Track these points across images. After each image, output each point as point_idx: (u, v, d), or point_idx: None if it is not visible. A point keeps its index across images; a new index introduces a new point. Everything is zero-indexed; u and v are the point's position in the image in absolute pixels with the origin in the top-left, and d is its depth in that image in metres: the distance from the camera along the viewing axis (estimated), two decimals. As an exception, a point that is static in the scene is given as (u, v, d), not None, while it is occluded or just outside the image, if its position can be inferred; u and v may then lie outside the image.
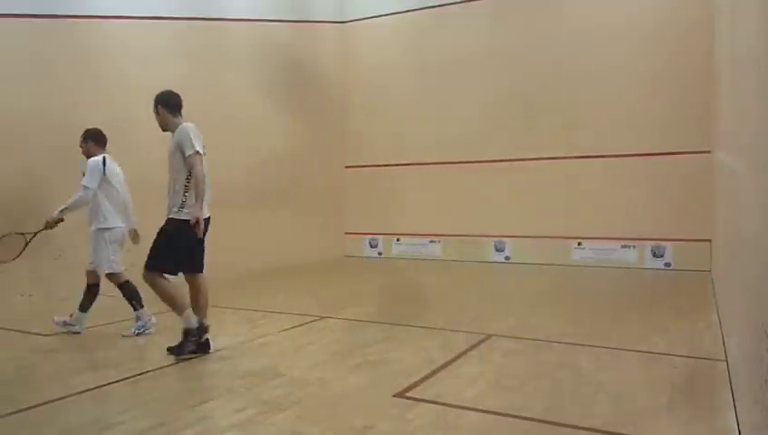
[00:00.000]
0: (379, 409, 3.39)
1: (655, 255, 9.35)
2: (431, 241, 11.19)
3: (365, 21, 11.86)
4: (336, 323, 5.77)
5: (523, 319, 5.82)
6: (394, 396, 3.58)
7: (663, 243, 9.29)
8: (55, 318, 5.50)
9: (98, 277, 5.51)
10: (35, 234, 5.29)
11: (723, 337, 4.67)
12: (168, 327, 5.71)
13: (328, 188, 11.69)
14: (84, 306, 5.44)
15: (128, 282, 5.59)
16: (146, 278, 4.53)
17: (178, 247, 4.53)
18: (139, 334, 5.39)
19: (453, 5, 10.97)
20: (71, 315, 5.50)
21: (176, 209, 4.50)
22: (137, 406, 3.51)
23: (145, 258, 4.59)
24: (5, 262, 5.13)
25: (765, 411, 1.96)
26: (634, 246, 9.48)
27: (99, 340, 5.24)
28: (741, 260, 3.11)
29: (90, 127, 5.79)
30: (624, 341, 4.83)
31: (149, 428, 3.12)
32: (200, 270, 4.88)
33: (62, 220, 5.32)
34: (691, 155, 9.00)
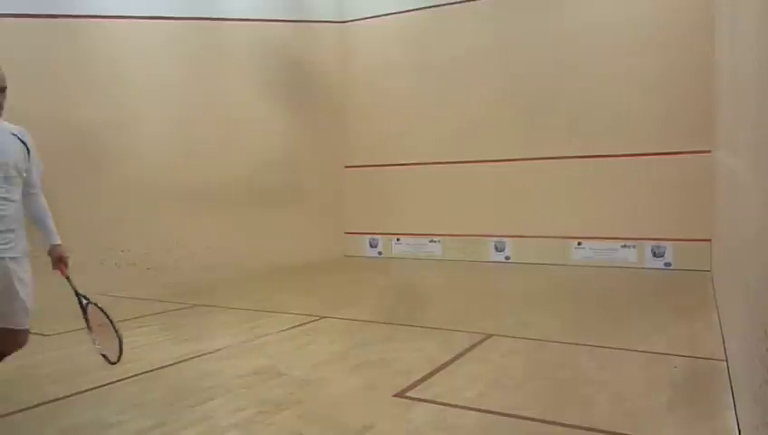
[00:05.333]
0: (379, 409, 3.39)
1: (655, 255, 9.35)
2: (431, 241, 11.19)
3: (365, 21, 11.86)
4: (336, 323, 5.77)
5: (523, 319, 5.82)
6: (394, 396, 3.58)
7: (663, 243, 9.29)
8: None
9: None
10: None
11: (723, 337, 4.67)
12: (169, 327, 5.72)
13: (328, 188, 11.70)
14: None
15: None
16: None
17: None
18: None
19: (453, 5, 10.97)
20: None
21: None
22: (137, 406, 3.51)
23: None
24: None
25: (765, 411, 1.96)
26: (634, 246, 9.48)
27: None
28: (741, 260, 3.11)
29: None
30: (624, 341, 4.83)
31: (149, 428, 3.12)
32: None
33: None
34: (691, 155, 9.00)
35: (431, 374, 4.01)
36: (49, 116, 7.24)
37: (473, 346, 4.74)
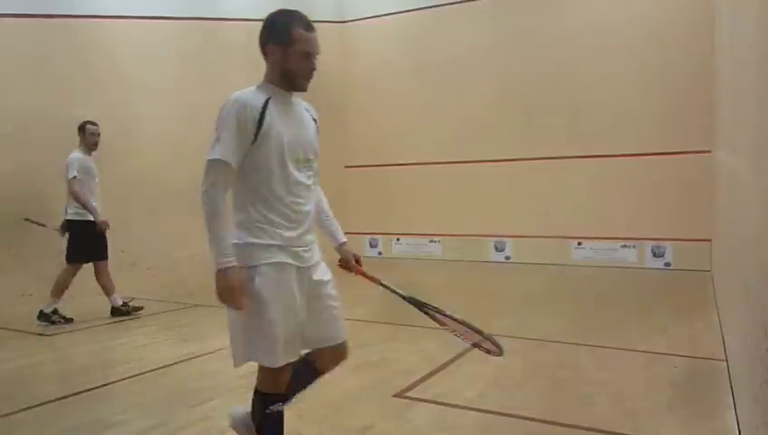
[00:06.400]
0: (379, 409, 3.39)
1: (655, 255, 9.34)
2: (431, 241, 11.19)
3: (365, 21, 11.86)
4: (336, 323, 5.76)
5: (523, 319, 5.82)
6: (394, 396, 3.58)
7: (663, 243, 9.29)
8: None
9: None
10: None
11: (723, 337, 4.67)
12: (169, 327, 5.72)
13: (328, 188, 11.59)
14: None
15: None
16: None
17: None
18: None
19: (452, 5, 10.96)
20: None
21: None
22: (137, 406, 3.51)
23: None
24: None
25: (765, 411, 1.96)
26: (634, 246, 9.48)
27: (99, 339, 5.24)
28: (741, 260, 3.11)
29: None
30: (624, 341, 4.83)
31: (149, 428, 3.12)
32: None
33: None
34: (691, 155, 9.00)
35: (431, 374, 4.01)
36: (49, 116, 7.24)
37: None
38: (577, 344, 4.78)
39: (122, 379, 4.02)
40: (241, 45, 9.89)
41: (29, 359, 4.66)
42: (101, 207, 6.09)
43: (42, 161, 7.12)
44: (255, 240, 2.27)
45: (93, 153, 6.17)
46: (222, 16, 9.63)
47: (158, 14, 8.64)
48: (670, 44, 9.14)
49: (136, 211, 7.97)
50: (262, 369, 2.44)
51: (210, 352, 4.67)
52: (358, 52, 11.90)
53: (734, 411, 3.16)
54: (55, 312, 5.88)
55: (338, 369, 4.24)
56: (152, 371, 4.23)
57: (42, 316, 5.81)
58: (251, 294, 2.26)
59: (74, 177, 5.86)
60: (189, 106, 8.82)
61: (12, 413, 3.41)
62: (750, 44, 2.80)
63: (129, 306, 6.16)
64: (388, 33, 11.64)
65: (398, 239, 11.54)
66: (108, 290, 6.16)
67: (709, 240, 8.48)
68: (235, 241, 2.29)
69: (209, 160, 2.24)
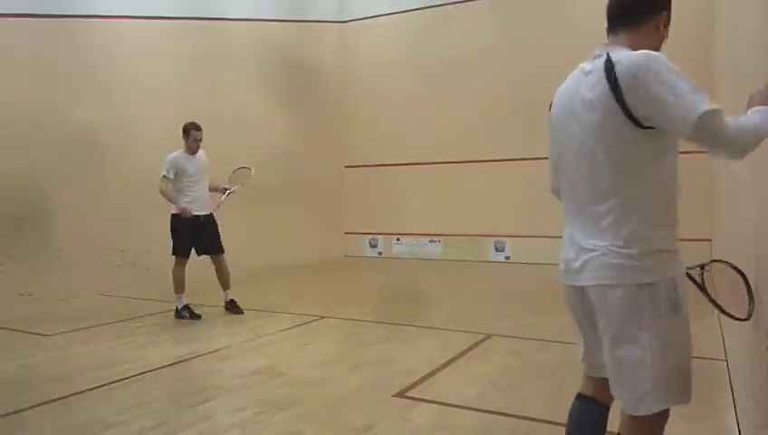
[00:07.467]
0: (379, 409, 3.39)
1: (655, 255, 9.33)
2: (431, 241, 11.19)
3: (365, 21, 11.86)
4: (336, 323, 5.77)
5: (523, 319, 5.82)
6: (394, 396, 3.58)
7: (663, 243, 9.27)
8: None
9: None
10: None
11: (723, 337, 4.67)
12: (169, 327, 5.71)
13: (328, 187, 11.69)
14: None
15: None
16: None
17: None
18: None
19: (453, 5, 10.96)
20: None
21: None
22: (137, 406, 3.51)
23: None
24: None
25: (765, 412, 1.96)
26: (634, 246, 9.46)
27: (99, 339, 5.24)
28: (740, 259, 3.11)
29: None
30: (624, 341, 4.82)
31: (149, 428, 3.12)
32: None
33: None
34: (691, 155, 8.94)
35: (431, 374, 4.01)
36: (49, 116, 7.24)
37: (473, 346, 4.74)
38: (577, 344, 4.77)
39: (122, 379, 4.02)
40: (241, 46, 9.90)
41: (29, 359, 4.66)
42: (193, 206, 6.24)
43: (42, 161, 7.12)
44: (666, 246, 1.78)
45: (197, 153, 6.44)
46: (222, 16, 9.63)
47: (158, 14, 8.64)
48: (669, 44, 9.06)
49: (136, 211, 7.96)
50: (649, 420, 1.89)
51: (210, 352, 4.68)
52: (358, 51, 11.91)
53: (734, 411, 3.17)
54: (186, 308, 6.08)
55: (338, 369, 4.26)
56: (152, 371, 4.23)
57: (177, 314, 6.08)
58: (674, 320, 1.78)
59: (163, 175, 6.12)
60: (189, 106, 8.81)
61: (12, 413, 3.41)
62: (750, 44, 2.80)
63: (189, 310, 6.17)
64: (387, 33, 11.65)
65: (398, 239, 11.54)
66: (222, 283, 6.33)
67: (709, 240, 8.48)
68: (636, 247, 1.78)
69: (709, 112, 1.76)
